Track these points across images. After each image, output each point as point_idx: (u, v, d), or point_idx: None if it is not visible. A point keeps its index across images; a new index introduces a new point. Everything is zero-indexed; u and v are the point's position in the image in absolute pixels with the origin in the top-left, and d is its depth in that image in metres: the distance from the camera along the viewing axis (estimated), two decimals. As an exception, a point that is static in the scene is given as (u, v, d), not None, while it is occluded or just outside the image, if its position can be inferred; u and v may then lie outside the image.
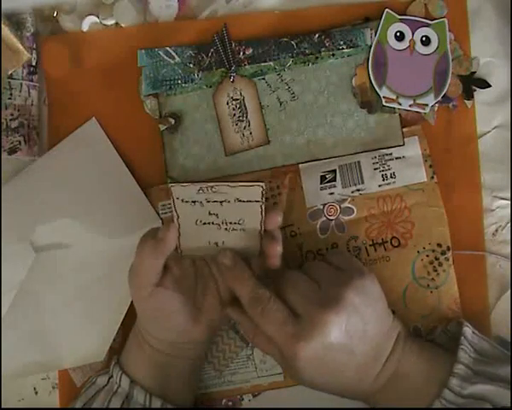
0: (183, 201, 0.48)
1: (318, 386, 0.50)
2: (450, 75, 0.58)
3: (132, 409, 0.52)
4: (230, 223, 0.49)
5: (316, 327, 0.46)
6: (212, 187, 0.47)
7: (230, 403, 0.59)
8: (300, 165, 0.59)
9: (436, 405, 0.48)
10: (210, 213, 0.49)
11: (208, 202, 0.48)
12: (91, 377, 0.56)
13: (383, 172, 0.58)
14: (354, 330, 0.47)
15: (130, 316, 0.56)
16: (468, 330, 0.52)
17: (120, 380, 0.53)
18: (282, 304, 0.48)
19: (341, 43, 0.58)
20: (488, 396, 0.47)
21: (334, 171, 0.58)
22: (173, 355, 0.53)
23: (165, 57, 0.59)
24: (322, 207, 0.58)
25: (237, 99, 0.59)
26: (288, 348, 0.47)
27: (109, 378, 0.54)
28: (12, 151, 0.58)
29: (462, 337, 0.51)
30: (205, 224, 0.49)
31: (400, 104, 0.58)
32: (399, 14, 0.58)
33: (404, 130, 0.58)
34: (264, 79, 0.59)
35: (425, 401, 0.49)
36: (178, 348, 0.53)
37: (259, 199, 0.48)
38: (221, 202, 0.48)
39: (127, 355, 0.55)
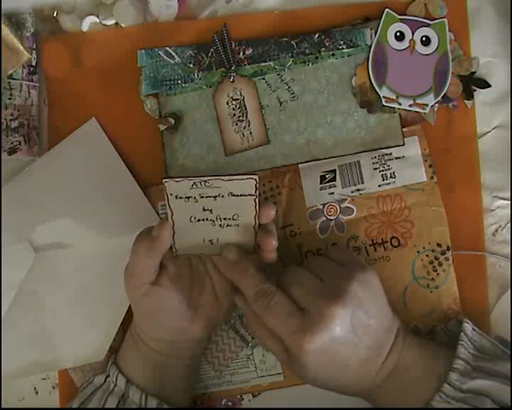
0: (176, 197, 0.48)
1: (321, 382, 0.50)
2: (450, 75, 0.58)
3: (128, 409, 0.52)
4: (225, 219, 0.49)
5: (322, 319, 0.46)
6: (205, 181, 0.47)
7: (230, 403, 0.59)
8: (300, 165, 0.59)
9: (436, 399, 0.48)
10: (204, 209, 0.49)
11: (202, 197, 0.48)
12: (90, 377, 0.56)
13: (383, 172, 0.58)
14: (359, 322, 0.47)
15: (131, 316, 0.56)
16: (468, 326, 0.52)
17: (117, 379, 0.53)
18: (288, 298, 0.48)
19: (341, 42, 0.58)
20: (487, 391, 0.48)
21: (334, 171, 0.58)
22: (170, 355, 0.53)
23: (165, 57, 0.59)
24: (321, 207, 0.58)
25: (237, 99, 0.59)
26: (293, 341, 0.47)
27: (106, 378, 0.54)
28: (12, 151, 0.58)
29: (462, 334, 0.51)
30: (199, 220, 0.49)
31: (400, 104, 0.58)
32: (399, 14, 0.58)
33: (404, 130, 0.58)
34: (264, 78, 0.59)
35: (425, 396, 0.49)
36: (175, 348, 0.53)
37: (253, 192, 0.48)
38: (215, 196, 0.48)
39: (124, 355, 0.55)
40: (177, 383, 0.54)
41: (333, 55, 0.58)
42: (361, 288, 0.48)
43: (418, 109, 0.58)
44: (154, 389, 0.53)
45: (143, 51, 0.59)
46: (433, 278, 0.58)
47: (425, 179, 0.58)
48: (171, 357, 0.53)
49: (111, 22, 0.59)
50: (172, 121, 0.59)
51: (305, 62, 0.59)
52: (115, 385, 0.53)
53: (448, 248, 0.57)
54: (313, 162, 0.58)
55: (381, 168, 0.58)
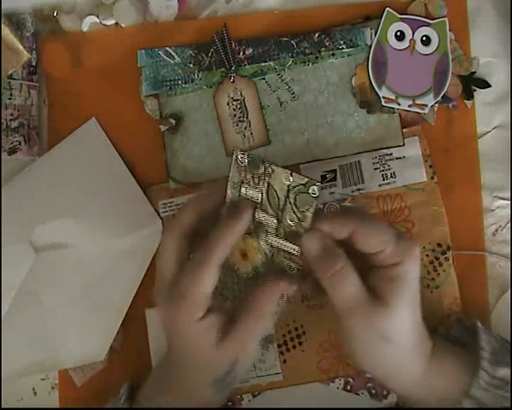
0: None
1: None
2: (450, 75, 0.58)
3: (126, 408, 0.50)
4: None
5: (392, 313, 0.45)
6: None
7: (230, 403, 0.59)
8: (301, 165, 0.59)
9: (475, 386, 0.47)
10: None
11: None
12: None
13: (383, 172, 0.58)
14: (416, 303, 0.48)
15: (131, 316, 0.56)
16: (479, 324, 0.52)
17: None
18: (357, 274, 0.46)
19: (341, 42, 0.58)
20: None
21: (335, 171, 0.58)
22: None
23: (165, 57, 0.59)
24: (322, 206, 0.58)
25: (238, 99, 0.59)
26: (355, 319, 0.46)
27: None
28: (12, 151, 0.58)
29: (479, 329, 0.51)
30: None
31: (399, 104, 0.58)
32: (400, 14, 0.58)
33: (404, 130, 0.58)
34: (264, 78, 0.59)
35: (463, 385, 0.48)
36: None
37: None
38: None
39: (152, 396, 0.51)
40: None
41: (333, 54, 0.58)
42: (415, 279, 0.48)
43: (417, 110, 0.58)
44: None
45: (143, 51, 0.59)
46: (433, 278, 0.58)
47: (425, 179, 0.58)
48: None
49: (111, 22, 0.59)
50: (173, 122, 0.59)
51: (305, 62, 0.59)
52: None
53: (448, 248, 0.57)
54: (314, 162, 0.58)
55: (382, 168, 0.58)
